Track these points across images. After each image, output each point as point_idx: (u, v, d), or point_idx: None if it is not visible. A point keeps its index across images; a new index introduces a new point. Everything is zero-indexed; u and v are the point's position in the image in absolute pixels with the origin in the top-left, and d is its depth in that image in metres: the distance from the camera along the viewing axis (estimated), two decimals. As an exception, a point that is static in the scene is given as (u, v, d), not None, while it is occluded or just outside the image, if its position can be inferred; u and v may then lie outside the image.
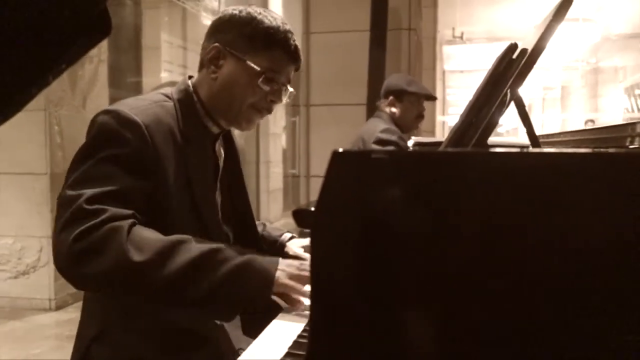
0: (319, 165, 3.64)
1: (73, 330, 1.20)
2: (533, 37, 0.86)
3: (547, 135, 1.73)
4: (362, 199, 0.46)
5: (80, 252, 0.95)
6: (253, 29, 1.18)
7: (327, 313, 0.46)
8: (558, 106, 17.50)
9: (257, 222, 1.45)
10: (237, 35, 1.18)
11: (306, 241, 1.42)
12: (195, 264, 0.98)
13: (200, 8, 6.43)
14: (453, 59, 13.11)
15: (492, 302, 0.45)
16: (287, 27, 1.21)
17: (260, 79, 1.17)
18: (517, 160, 0.48)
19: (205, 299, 0.99)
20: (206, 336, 1.14)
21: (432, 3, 5.86)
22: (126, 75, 5.49)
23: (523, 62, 0.72)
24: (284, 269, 1.04)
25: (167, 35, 6.31)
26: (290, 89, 1.24)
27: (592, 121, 12.26)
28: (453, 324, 0.45)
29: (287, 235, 1.45)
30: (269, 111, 1.24)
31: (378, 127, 2.58)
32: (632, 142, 0.92)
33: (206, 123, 1.22)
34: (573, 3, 0.71)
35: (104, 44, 4.57)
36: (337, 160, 0.47)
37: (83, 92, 4.37)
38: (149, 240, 0.98)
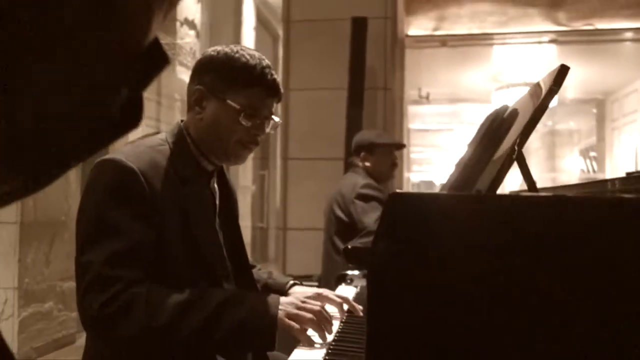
0: (297, 218, 3.67)
1: (36, 386, 1.26)
2: (529, 100, 0.96)
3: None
4: (419, 240, 0.50)
5: (105, 320, 1.06)
6: (231, 69, 1.24)
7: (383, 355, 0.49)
8: (516, 166, 18.06)
9: (264, 271, 1.50)
10: (217, 77, 1.26)
11: (309, 290, 1.45)
12: (206, 321, 1.09)
13: (176, 62, 6.54)
14: (418, 117, 13.53)
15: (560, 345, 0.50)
16: (265, 62, 1.28)
17: (241, 116, 1.24)
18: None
19: (219, 347, 1.15)
20: None
21: (400, 65, 6.14)
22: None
23: (528, 120, 0.80)
24: (284, 308, 1.15)
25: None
26: (276, 119, 1.33)
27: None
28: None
29: (290, 282, 1.48)
30: (256, 144, 1.32)
31: (358, 182, 2.66)
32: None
33: (200, 162, 1.30)
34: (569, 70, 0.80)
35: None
36: (394, 202, 0.52)
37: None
38: (166, 303, 1.08)
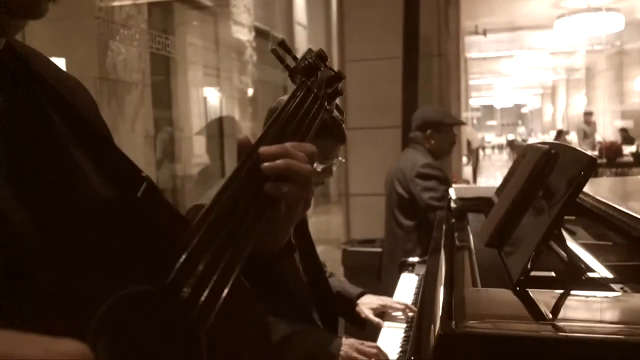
0: (359, 185, 3.87)
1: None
2: (565, 166, 1.09)
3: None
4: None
5: None
6: None
7: None
8: (583, 88, 17.37)
9: (335, 279, 1.71)
10: None
11: (377, 301, 1.66)
12: (279, 348, 1.25)
13: (231, 21, 6.69)
14: (475, 46, 13.17)
15: None
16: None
17: (315, 163, 1.40)
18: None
19: None
20: None
21: (455, 3, 6.02)
22: (156, 73, 5.69)
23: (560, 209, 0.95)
24: (346, 351, 1.30)
25: (195, 38, 6.62)
26: (342, 159, 1.47)
27: (590, 113, 12.35)
28: None
29: (359, 292, 1.68)
30: (323, 184, 1.48)
31: (418, 162, 2.80)
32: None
33: None
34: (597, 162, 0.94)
35: (147, 69, 4.86)
36: (447, 342, 0.70)
37: (132, 116, 4.67)
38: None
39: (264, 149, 0.61)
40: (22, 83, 0.55)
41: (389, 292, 2.68)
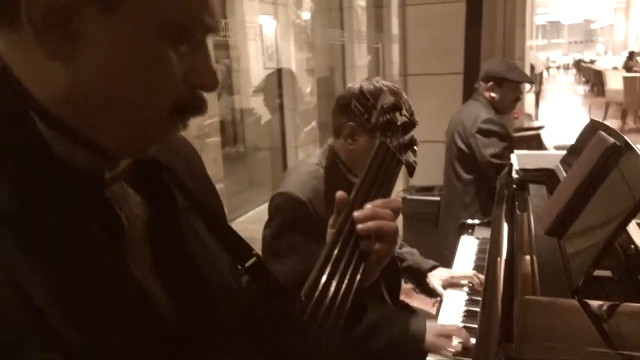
0: (417, 132, 3.89)
1: None
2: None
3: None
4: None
5: None
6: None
7: None
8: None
9: (406, 250, 1.83)
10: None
11: (446, 274, 1.78)
12: (371, 331, 1.41)
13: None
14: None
15: None
16: (404, 96, 1.46)
17: None
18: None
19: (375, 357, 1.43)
20: None
21: None
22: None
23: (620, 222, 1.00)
24: (432, 341, 1.46)
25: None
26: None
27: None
28: None
29: (431, 266, 1.81)
30: None
31: (480, 116, 2.79)
32: None
33: (348, 177, 1.57)
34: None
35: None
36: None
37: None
38: None
39: (357, 215, 0.73)
40: (153, 176, 0.65)
41: (445, 242, 2.79)
